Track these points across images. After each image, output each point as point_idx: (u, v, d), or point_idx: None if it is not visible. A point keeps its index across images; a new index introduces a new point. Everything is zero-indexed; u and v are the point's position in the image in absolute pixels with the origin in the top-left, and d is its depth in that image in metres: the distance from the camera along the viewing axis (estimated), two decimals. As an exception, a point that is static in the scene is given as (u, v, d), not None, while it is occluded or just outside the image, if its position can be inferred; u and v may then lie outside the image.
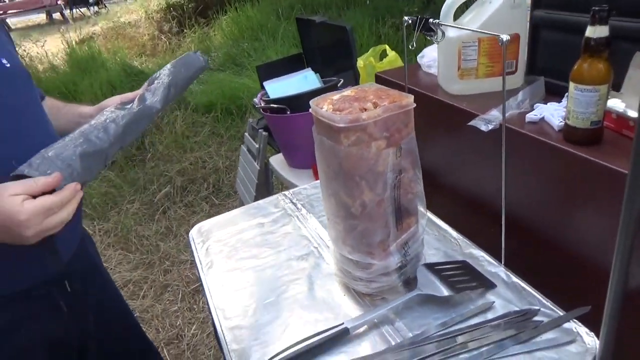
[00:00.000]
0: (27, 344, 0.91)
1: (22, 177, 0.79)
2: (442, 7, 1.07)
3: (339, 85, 1.60)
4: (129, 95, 1.07)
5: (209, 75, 5.32)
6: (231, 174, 3.41)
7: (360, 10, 5.92)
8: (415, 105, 0.75)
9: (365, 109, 0.73)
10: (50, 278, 0.93)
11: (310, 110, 0.79)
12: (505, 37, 0.70)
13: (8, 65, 0.90)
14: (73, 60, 5.79)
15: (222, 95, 4.40)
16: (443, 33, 0.96)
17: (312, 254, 0.99)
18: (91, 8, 12.09)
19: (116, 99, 1.07)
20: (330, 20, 2.02)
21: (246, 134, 2.47)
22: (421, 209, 0.83)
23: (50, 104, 1.10)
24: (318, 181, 1.29)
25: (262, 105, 1.59)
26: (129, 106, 0.99)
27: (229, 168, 3.47)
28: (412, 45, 0.88)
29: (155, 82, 1.05)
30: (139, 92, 1.05)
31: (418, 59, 1.31)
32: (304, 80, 1.70)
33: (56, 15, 12.64)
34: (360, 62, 1.49)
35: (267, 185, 2.19)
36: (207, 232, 1.13)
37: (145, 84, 1.07)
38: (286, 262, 0.98)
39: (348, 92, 0.81)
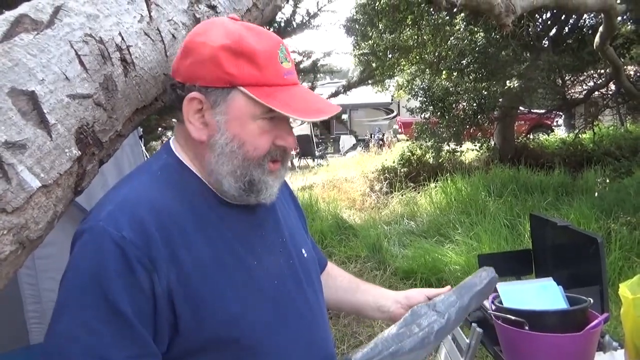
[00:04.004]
0: None
1: None
2: None
3: (589, 307, 1.40)
4: (431, 291, 1.13)
5: (412, 239, 5.41)
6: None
7: (584, 200, 5.52)
8: None
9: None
10: None
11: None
12: None
13: (306, 255, 0.99)
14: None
15: (423, 264, 4.36)
16: None
17: None
18: (316, 160, 13.93)
19: (421, 296, 1.12)
20: (575, 226, 1.88)
21: (455, 322, 2.31)
22: None
23: (341, 279, 1.20)
24: None
25: (494, 312, 1.48)
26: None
27: (421, 346, 3.28)
28: None
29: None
30: (441, 290, 1.10)
31: None
32: (543, 291, 1.55)
33: (287, 162, 14.82)
34: (626, 292, 1.30)
35: (474, 389, 1.95)
36: None
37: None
38: None
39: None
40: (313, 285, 0.98)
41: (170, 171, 0.86)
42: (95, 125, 0.85)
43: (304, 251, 1.00)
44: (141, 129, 2.46)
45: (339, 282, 1.20)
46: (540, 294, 1.55)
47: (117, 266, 0.73)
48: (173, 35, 0.98)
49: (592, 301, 1.45)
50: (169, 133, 6.30)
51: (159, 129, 5.57)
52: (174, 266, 0.76)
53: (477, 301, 1.07)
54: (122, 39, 0.88)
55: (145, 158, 2.28)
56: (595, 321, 1.33)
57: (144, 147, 2.24)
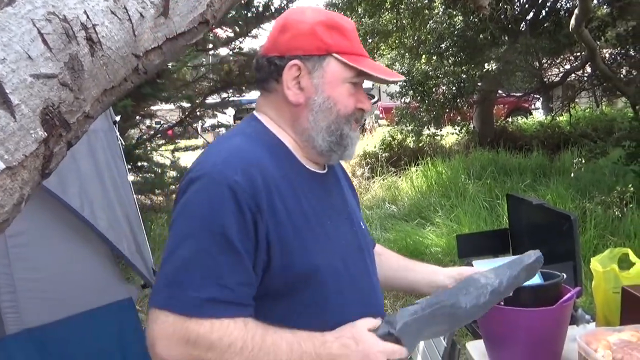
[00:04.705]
0: None
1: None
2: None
3: (562, 282, 1.43)
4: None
5: (393, 223, 5.45)
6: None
7: (561, 180, 5.62)
8: None
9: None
10: None
11: (577, 347, 0.68)
12: None
13: (363, 227, 1.09)
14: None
15: (405, 247, 4.41)
16: None
17: None
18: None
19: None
20: (550, 205, 1.91)
21: (434, 301, 2.35)
22: None
23: (394, 259, 1.28)
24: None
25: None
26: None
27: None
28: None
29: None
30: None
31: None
32: (518, 268, 1.57)
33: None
34: (597, 266, 1.33)
35: (452, 366, 2.00)
36: None
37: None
38: None
39: (627, 334, 0.69)
40: (370, 254, 1.09)
41: (261, 134, 0.98)
42: (62, 106, 0.82)
43: (362, 224, 1.11)
44: (118, 116, 2.41)
45: (393, 261, 1.27)
46: (516, 270, 1.57)
47: (231, 207, 0.85)
48: (141, 14, 0.95)
49: (565, 276, 1.48)
50: (147, 121, 6.18)
51: (137, 116, 5.47)
52: (272, 213, 0.88)
53: (525, 276, 1.15)
54: (88, 17, 0.86)
55: (121, 144, 2.24)
56: (568, 294, 1.36)
57: (118, 133, 2.20)
